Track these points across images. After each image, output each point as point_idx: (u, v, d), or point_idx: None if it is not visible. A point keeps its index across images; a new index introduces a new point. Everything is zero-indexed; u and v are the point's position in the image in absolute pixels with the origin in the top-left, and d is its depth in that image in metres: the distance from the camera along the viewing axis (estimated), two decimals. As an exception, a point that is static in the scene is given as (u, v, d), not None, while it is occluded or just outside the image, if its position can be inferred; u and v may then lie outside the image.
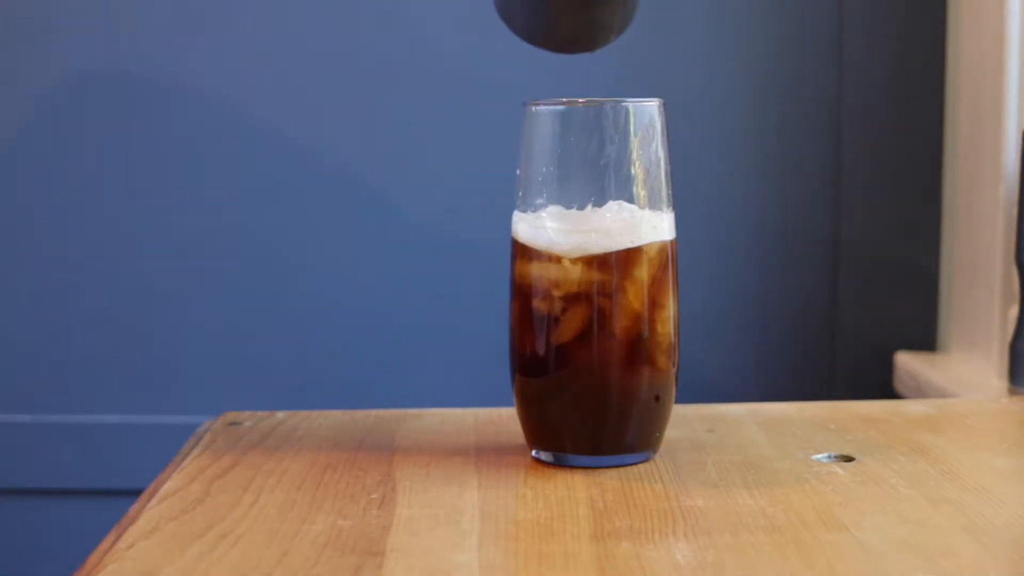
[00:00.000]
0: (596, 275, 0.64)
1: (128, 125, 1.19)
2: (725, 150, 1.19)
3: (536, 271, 0.65)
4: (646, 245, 0.65)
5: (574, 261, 0.64)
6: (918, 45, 1.17)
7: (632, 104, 0.65)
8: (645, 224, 0.65)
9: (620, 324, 0.64)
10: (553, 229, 0.65)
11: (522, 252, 0.66)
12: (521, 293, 0.66)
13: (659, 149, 0.66)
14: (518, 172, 0.67)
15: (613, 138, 0.65)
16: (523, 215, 0.66)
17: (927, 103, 1.17)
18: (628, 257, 0.64)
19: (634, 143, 0.65)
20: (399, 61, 1.18)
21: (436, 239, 1.20)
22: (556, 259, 0.65)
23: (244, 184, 1.20)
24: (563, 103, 0.65)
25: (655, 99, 0.66)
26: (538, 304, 0.65)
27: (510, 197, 0.68)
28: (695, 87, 1.18)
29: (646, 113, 0.66)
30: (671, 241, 0.66)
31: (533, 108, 0.66)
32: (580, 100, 0.65)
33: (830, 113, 1.18)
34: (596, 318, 0.64)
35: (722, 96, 1.19)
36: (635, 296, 0.65)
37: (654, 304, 0.65)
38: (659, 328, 0.65)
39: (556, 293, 0.65)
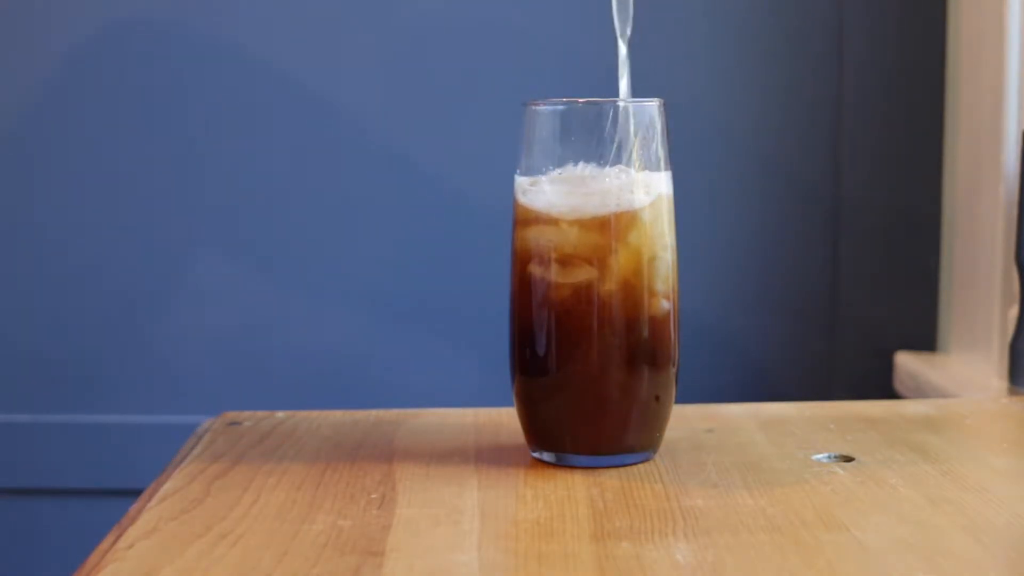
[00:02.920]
0: (593, 237, 0.64)
1: (128, 126, 1.19)
2: (725, 150, 1.19)
3: (534, 234, 0.65)
4: (643, 208, 0.65)
5: (571, 223, 0.64)
6: (918, 45, 1.17)
7: (632, 104, 0.65)
8: (642, 187, 0.65)
9: (617, 286, 0.64)
10: (552, 192, 0.65)
11: (522, 216, 0.66)
12: (521, 259, 0.66)
13: (659, 149, 0.66)
14: (518, 172, 0.67)
15: (613, 138, 0.65)
16: (521, 178, 0.66)
17: (927, 103, 1.17)
18: (625, 219, 0.64)
19: (634, 143, 0.65)
20: (397, 62, 1.18)
21: (436, 241, 1.20)
22: (554, 221, 0.65)
23: (243, 185, 1.20)
24: (563, 103, 0.65)
25: (655, 99, 0.66)
26: (534, 268, 0.65)
27: (510, 199, 0.68)
28: (695, 87, 1.18)
29: (646, 113, 0.66)
30: (668, 201, 0.66)
31: (533, 108, 0.66)
32: (580, 100, 0.65)
33: (830, 113, 1.18)
34: (595, 281, 0.64)
35: (722, 96, 1.19)
36: (632, 257, 0.64)
37: (653, 270, 0.65)
38: (658, 287, 0.65)
39: (554, 256, 0.64)
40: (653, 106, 0.66)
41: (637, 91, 0.68)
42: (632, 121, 0.65)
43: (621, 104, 0.65)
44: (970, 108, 1.10)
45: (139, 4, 1.18)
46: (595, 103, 0.65)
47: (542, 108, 0.66)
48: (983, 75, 1.07)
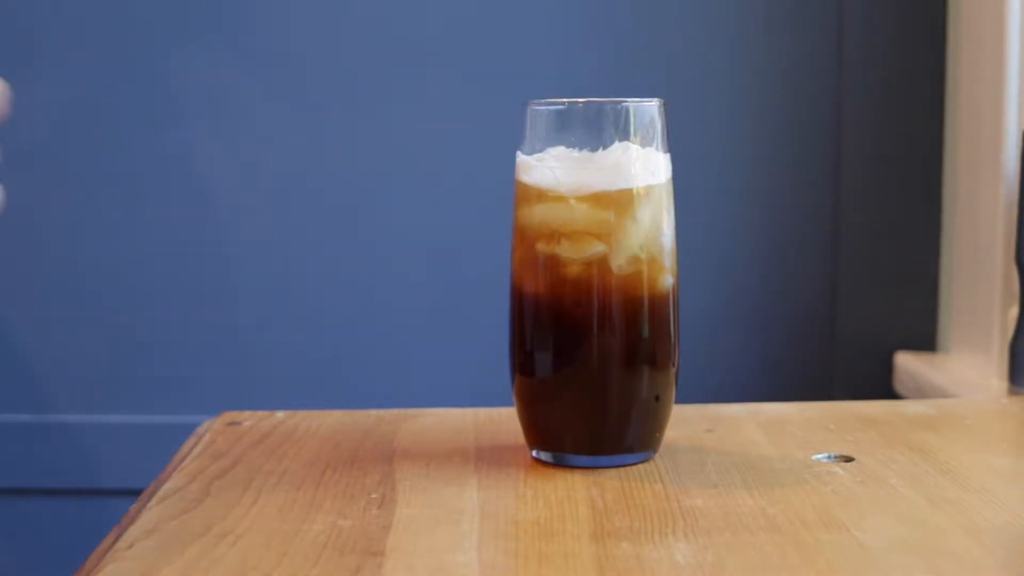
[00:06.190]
0: (600, 214, 0.64)
1: (128, 127, 1.19)
2: (725, 150, 1.19)
3: (540, 213, 0.65)
4: (651, 184, 0.65)
5: (580, 200, 0.64)
6: (918, 45, 1.17)
7: (632, 104, 0.65)
8: (648, 162, 0.65)
9: (622, 262, 0.64)
10: (557, 168, 0.65)
11: (525, 195, 0.66)
12: (525, 240, 0.66)
13: (659, 149, 0.66)
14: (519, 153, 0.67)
15: (613, 138, 0.65)
16: (526, 157, 0.66)
17: (927, 103, 1.17)
18: (635, 194, 0.64)
19: (634, 143, 0.65)
20: (398, 61, 1.18)
21: (436, 239, 1.20)
22: (561, 198, 0.64)
23: (242, 184, 1.20)
24: (563, 103, 0.65)
25: (655, 99, 0.66)
26: (541, 247, 0.65)
27: (509, 198, 0.68)
28: (695, 87, 1.18)
29: (646, 113, 0.66)
30: (669, 180, 0.66)
31: (533, 108, 0.66)
32: (580, 100, 0.65)
33: (830, 113, 1.18)
34: (605, 256, 0.64)
35: (722, 96, 1.19)
36: (636, 234, 0.64)
37: (660, 246, 0.65)
38: (666, 262, 0.65)
39: (561, 232, 0.64)
40: (653, 106, 0.66)
41: (637, 91, 0.68)
42: (632, 120, 0.65)
43: (619, 104, 0.65)
44: (970, 108, 1.10)
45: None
46: (595, 103, 0.65)
47: (542, 108, 0.66)
48: (983, 75, 1.07)
